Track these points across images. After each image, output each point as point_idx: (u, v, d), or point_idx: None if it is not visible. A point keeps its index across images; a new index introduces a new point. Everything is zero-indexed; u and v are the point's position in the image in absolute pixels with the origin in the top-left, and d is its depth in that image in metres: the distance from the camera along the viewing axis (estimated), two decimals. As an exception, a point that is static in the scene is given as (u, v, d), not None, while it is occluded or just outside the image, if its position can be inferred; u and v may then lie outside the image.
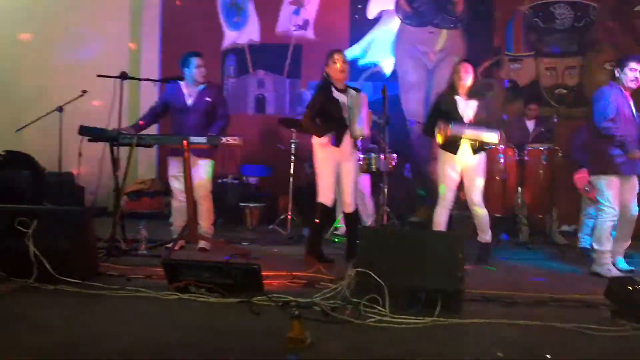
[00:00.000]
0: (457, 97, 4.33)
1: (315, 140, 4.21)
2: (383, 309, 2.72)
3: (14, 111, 6.09)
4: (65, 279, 3.09)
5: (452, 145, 4.30)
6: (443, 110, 4.33)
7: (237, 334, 2.49)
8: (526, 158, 5.37)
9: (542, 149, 5.39)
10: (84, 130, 4.28)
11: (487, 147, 4.38)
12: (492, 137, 4.22)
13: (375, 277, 2.80)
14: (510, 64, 7.06)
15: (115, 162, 4.37)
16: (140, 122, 4.64)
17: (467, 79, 4.30)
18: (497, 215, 5.18)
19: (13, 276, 3.10)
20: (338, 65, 4.13)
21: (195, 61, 4.57)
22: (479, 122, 4.29)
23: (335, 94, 4.17)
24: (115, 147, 4.36)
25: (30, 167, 5.91)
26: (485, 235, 4.43)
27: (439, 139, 4.25)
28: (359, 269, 2.90)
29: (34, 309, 2.74)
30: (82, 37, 7.26)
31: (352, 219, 4.35)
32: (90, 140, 4.39)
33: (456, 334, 2.59)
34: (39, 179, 5.98)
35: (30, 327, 2.44)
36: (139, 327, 2.54)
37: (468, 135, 4.24)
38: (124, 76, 4.51)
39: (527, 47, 7.05)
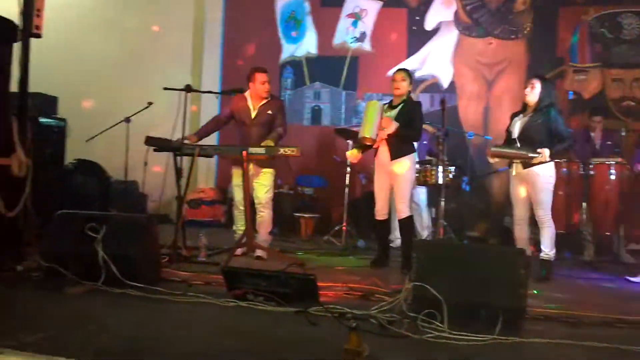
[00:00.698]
0: (517, 116, 4.36)
1: None
2: (441, 325, 2.67)
3: (85, 122, 6.41)
4: (131, 283, 3.21)
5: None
6: (508, 129, 4.41)
7: (294, 343, 2.51)
8: (591, 172, 5.15)
9: (609, 163, 5.17)
10: (149, 141, 4.48)
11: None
12: (529, 155, 4.09)
13: (433, 291, 2.77)
14: (575, 75, 6.82)
15: (178, 171, 4.53)
16: (204, 129, 4.94)
17: (531, 95, 4.25)
18: (560, 231, 4.98)
19: (83, 279, 3.25)
20: (393, 84, 4.49)
21: (260, 77, 4.72)
22: (525, 138, 4.21)
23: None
24: (178, 157, 4.53)
25: (98, 175, 6.19)
26: (549, 252, 4.30)
27: (489, 158, 4.34)
28: (416, 283, 2.87)
29: (101, 312, 2.86)
30: (148, 51, 7.59)
31: (403, 226, 4.46)
32: (155, 150, 4.59)
33: (517, 353, 2.51)
34: (105, 186, 6.26)
35: (98, 329, 2.55)
36: (200, 333, 2.61)
37: (507, 156, 4.27)
38: (188, 89, 4.69)
39: (593, 58, 6.81)
